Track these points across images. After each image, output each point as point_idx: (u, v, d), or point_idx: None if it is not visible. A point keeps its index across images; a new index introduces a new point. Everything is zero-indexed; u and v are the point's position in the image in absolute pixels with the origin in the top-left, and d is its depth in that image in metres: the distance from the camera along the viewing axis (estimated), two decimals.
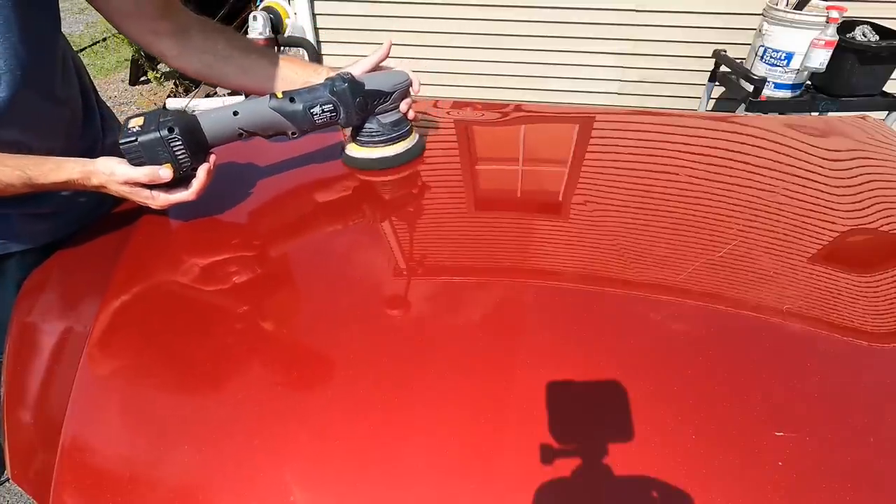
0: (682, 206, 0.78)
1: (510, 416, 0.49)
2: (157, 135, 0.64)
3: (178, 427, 0.51)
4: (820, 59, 2.17)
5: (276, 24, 2.36)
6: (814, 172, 0.91)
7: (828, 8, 2.12)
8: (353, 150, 0.85)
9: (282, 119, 0.73)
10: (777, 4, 2.28)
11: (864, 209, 0.80)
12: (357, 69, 0.81)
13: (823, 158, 0.95)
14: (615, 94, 3.02)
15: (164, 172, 0.66)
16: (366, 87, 0.77)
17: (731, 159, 0.92)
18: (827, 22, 2.11)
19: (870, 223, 0.77)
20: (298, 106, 0.73)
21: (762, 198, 0.79)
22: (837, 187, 0.85)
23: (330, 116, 0.75)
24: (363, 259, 0.69)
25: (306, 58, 2.65)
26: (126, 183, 0.66)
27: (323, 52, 3.07)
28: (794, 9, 2.21)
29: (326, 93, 0.74)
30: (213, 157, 0.72)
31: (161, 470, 0.48)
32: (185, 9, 0.79)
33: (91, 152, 0.77)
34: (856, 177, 0.90)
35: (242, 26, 3.31)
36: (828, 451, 0.47)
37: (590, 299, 0.62)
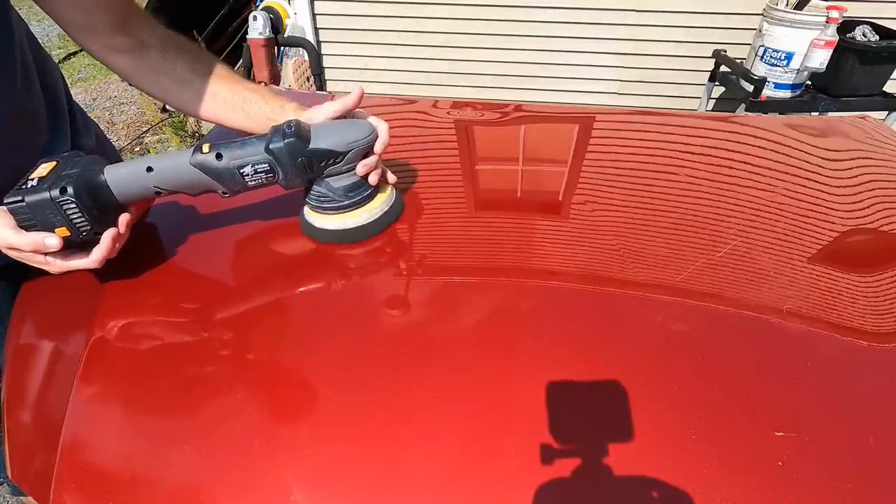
0: (682, 207, 0.78)
1: (510, 416, 0.49)
2: (47, 195, 0.54)
3: (178, 427, 0.51)
4: (820, 59, 2.17)
5: (276, 24, 2.37)
6: (814, 172, 0.91)
7: (828, 8, 2.12)
8: (307, 214, 0.71)
9: (206, 178, 0.61)
10: (777, 4, 2.28)
11: (864, 209, 0.80)
12: (318, 115, 0.67)
13: (823, 158, 0.95)
14: (615, 94, 3.02)
15: (51, 241, 0.56)
16: (311, 147, 0.62)
17: (731, 159, 0.92)
18: (827, 22, 2.11)
19: (870, 223, 0.77)
20: (225, 164, 0.60)
21: (762, 198, 0.79)
22: (837, 187, 0.85)
23: (266, 178, 0.62)
24: (364, 260, 0.69)
25: (306, 57, 2.65)
26: (10, 249, 0.57)
27: (323, 52, 3.08)
28: (794, 9, 2.21)
29: (261, 150, 0.60)
30: (125, 218, 0.61)
31: (161, 470, 0.48)
32: (151, 23, 0.71)
33: None
34: (856, 177, 0.90)
35: (242, 26, 3.32)
36: (828, 451, 0.47)
37: (590, 299, 0.62)
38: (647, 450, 0.46)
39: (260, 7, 2.42)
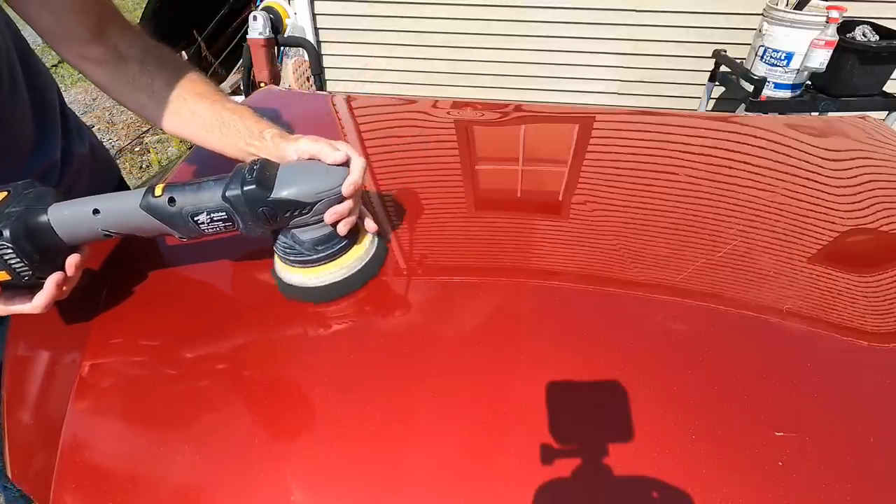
0: (682, 207, 0.78)
1: (510, 416, 0.49)
2: None
3: (178, 427, 0.51)
4: (820, 59, 2.17)
5: (276, 24, 2.37)
6: (814, 172, 0.91)
7: (828, 8, 2.12)
8: (276, 264, 0.64)
9: (157, 223, 0.55)
10: (777, 4, 2.28)
11: (864, 209, 0.80)
12: (291, 151, 0.59)
13: (823, 158, 0.95)
14: (615, 94, 3.03)
15: None
16: (273, 196, 0.54)
17: (731, 159, 0.92)
18: (827, 22, 2.11)
19: (870, 223, 0.77)
20: (178, 210, 0.54)
21: (762, 198, 0.79)
22: (837, 187, 0.85)
23: (224, 226, 0.56)
24: None
25: (306, 57, 2.65)
26: None
27: (323, 52, 3.08)
28: (794, 9, 2.21)
29: (217, 197, 0.53)
30: (74, 259, 0.55)
31: (161, 470, 0.48)
32: (132, 32, 0.66)
33: (48, 176, 0.73)
34: (856, 177, 0.90)
35: (242, 26, 3.32)
36: (828, 451, 0.47)
37: (590, 299, 0.62)
38: (647, 450, 0.46)
39: (260, 7, 2.43)
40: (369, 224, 0.65)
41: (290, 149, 0.59)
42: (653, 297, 0.62)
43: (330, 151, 0.58)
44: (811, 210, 0.80)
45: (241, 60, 2.62)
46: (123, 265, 0.69)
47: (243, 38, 2.80)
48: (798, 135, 1.02)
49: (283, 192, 0.54)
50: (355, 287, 0.62)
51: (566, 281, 0.64)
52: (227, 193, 0.53)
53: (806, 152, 0.97)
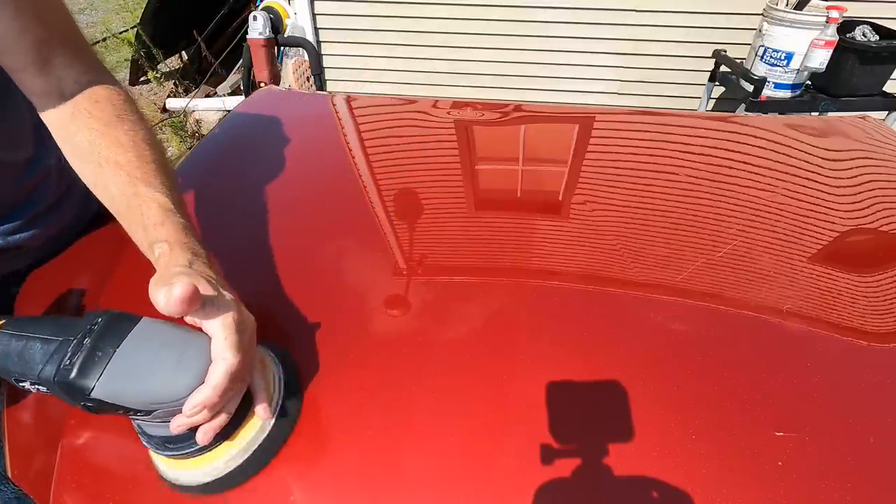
0: (683, 207, 0.78)
1: (510, 417, 0.49)
2: None
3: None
4: (820, 59, 2.18)
5: (276, 24, 2.37)
6: (814, 172, 0.91)
7: (828, 8, 2.12)
8: (153, 456, 0.48)
9: None
10: (777, 4, 2.28)
11: (864, 209, 0.80)
12: (161, 297, 0.40)
13: (823, 158, 0.95)
14: (615, 94, 3.03)
15: None
16: (94, 395, 0.39)
17: (731, 159, 0.92)
18: (827, 22, 2.11)
19: (870, 223, 0.77)
20: (2, 366, 0.41)
21: (762, 198, 0.79)
22: (837, 187, 0.85)
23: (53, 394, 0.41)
24: (363, 261, 0.69)
25: (306, 57, 2.65)
26: None
27: (323, 52, 3.08)
28: (794, 9, 2.21)
29: (35, 371, 0.40)
30: None
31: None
32: (83, 64, 0.54)
33: (45, 183, 0.70)
34: (856, 177, 0.90)
35: (242, 26, 3.32)
36: (828, 450, 0.47)
37: (590, 299, 0.62)
38: (647, 450, 0.46)
39: (260, 7, 2.42)
40: (260, 409, 0.47)
41: (161, 295, 0.40)
42: (653, 297, 0.61)
43: (188, 320, 0.42)
44: (811, 210, 0.80)
45: (241, 60, 2.62)
46: (123, 265, 0.69)
47: (243, 38, 2.80)
48: (798, 135, 1.02)
49: (105, 389, 0.39)
50: (242, 479, 0.46)
51: (566, 281, 0.64)
52: (41, 375, 0.40)
53: (806, 152, 0.97)
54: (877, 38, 2.27)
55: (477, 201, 0.81)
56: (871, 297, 0.63)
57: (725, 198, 0.80)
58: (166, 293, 0.39)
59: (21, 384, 0.41)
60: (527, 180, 0.86)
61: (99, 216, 0.78)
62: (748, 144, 0.97)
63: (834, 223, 0.76)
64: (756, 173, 0.86)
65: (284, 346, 0.56)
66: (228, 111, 2.53)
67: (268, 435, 0.48)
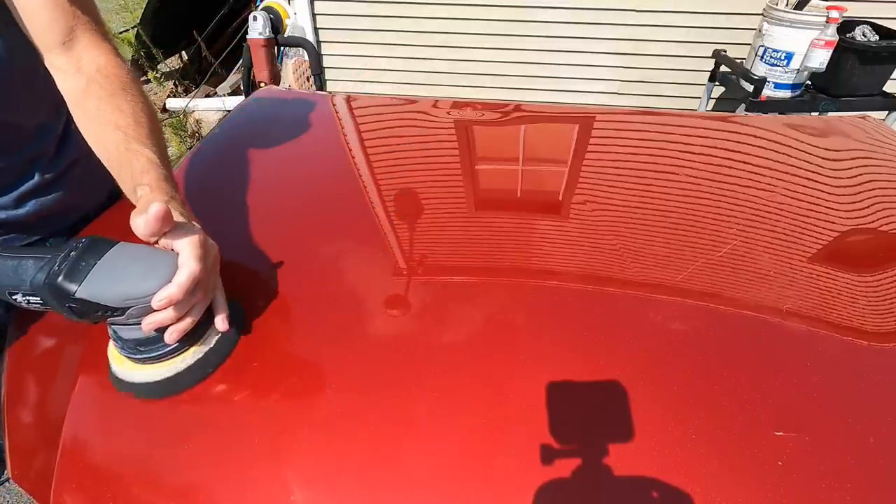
0: (683, 206, 0.78)
1: (511, 416, 0.49)
2: None
3: (177, 427, 0.51)
4: (820, 59, 2.18)
5: (276, 24, 2.37)
6: (814, 172, 0.91)
7: (828, 8, 2.12)
8: (109, 351, 0.56)
9: None
10: (777, 4, 2.28)
11: (864, 209, 0.80)
12: (140, 222, 0.48)
13: (823, 158, 0.95)
14: (615, 94, 3.03)
15: None
16: (78, 295, 0.47)
17: (731, 159, 0.92)
18: (827, 22, 2.11)
19: (870, 223, 0.77)
20: None
21: (762, 197, 0.79)
22: (837, 187, 0.85)
23: (44, 309, 0.50)
24: (363, 261, 0.69)
25: (306, 57, 2.65)
26: None
27: (323, 52, 3.08)
28: (794, 9, 2.22)
29: (27, 281, 0.48)
30: None
31: (161, 470, 0.48)
32: (100, 49, 0.63)
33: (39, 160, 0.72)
34: (856, 177, 0.90)
35: (242, 26, 3.32)
36: (828, 450, 0.47)
37: (590, 299, 0.62)
38: (647, 450, 0.46)
39: (260, 7, 2.42)
40: (219, 322, 0.55)
41: (140, 219, 0.48)
42: (653, 297, 0.61)
43: (153, 231, 0.49)
44: (811, 210, 0.80)
45: (241, 60, 2.62)
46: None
47: (243, 38, 2.80)
48: (798, 135, 1.02)
49: (88, 290, 0.47)
50: (195, 380, 0.54)
51: (566, 281, 0.64)
52: (33, 282, 0.47)
53: (806, 152, 0.97)
54: (877, 38, 2.27)
55: (477, 201, 0.81)
56: (871, 297, 0.63)
57: (725, 198, 0.80)
58: (145, 216, 0.47)
59: (13, 297, 0.48)
60: (527, 180, 0.86)
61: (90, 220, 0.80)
62: (748, 144, 0.97)
63: (834, 223, 0.76)
64: (756, 173, 0.86)
65: (282, 343, 0.56)
66: (228, 111, 2.53)
67: (202, 356, 0.55)
